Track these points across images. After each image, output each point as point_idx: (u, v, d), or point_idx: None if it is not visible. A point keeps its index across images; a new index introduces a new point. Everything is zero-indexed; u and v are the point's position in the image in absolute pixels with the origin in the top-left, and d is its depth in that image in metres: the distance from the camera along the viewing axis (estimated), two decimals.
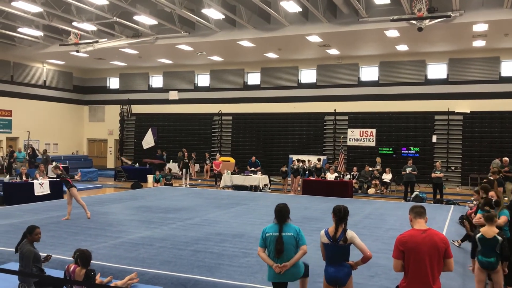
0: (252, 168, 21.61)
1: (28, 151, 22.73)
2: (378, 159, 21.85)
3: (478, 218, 7.14)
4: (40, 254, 6.12)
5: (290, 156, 23.96)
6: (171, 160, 25.85)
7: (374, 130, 23.80)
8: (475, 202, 10.16)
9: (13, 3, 17.69)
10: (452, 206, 15.71)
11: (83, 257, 5.81)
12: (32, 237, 6.04)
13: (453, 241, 9.52)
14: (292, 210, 5.44)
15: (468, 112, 22.28)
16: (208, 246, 9.04)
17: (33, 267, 5.90)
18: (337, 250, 4.96)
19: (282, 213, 5.16)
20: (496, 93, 21.73)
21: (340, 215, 5.01)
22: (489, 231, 6.23)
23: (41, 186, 15.74)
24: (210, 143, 27.62)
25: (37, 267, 5.98)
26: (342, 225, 5.00)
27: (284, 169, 20.67)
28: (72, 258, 6.08)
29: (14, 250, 6.19)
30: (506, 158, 16.87)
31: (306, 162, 20.32)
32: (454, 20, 16.72)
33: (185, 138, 27.73)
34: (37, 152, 23.78)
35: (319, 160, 20.42)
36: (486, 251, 6.18)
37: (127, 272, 7.02)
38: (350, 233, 4.96)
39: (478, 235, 6.30)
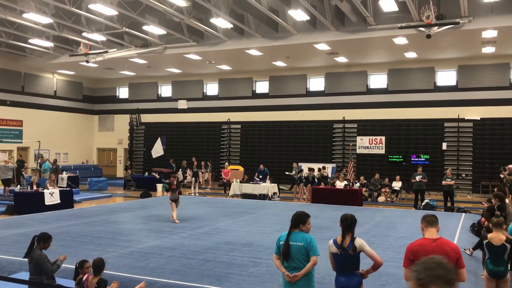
0: (260, 177, 21.53)
1: (39, 161, 22.90)
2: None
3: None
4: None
5: (299, 164, 23.87)
6: (180, 169, 25.87)
7: (383, 138, 23.68)
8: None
9: (24, 15, 17.95)
10: (463, 214, 15.57)
11: (96, 265, 5.82)
12: (45, 245, 6.22)
13: (465, 249, 9.40)
14: None
15: (478, 119, 22.11)
16: (217, 255, 9.02)
17: (45, 275, 5.94)
18: (347, 259, 4.93)
19: (296, 219, 5.01)
20: (507, 99, 21.56)
21: (347, 223, 4.98)
22: (496, 237, 6.02)
23: (51, 195, 15.83)
24: (219, 151, 27.66)
25: (48, 276, 6.02)
26: (350, 233, 4.97)
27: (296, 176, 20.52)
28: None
29: (24, 259, 6.23)
30: (511, 166, 16.83)
31: (316, 170, 20.19)
32: (463, 26, 16.65)
33: (194, 147, 27.79)
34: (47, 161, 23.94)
35: (324, 168, 20.09)
36: (495, 258, 5.96)
37: (136, 281, 7.01)
38: (359, 241, 4.93)
39: (485, 241, 6.12)
